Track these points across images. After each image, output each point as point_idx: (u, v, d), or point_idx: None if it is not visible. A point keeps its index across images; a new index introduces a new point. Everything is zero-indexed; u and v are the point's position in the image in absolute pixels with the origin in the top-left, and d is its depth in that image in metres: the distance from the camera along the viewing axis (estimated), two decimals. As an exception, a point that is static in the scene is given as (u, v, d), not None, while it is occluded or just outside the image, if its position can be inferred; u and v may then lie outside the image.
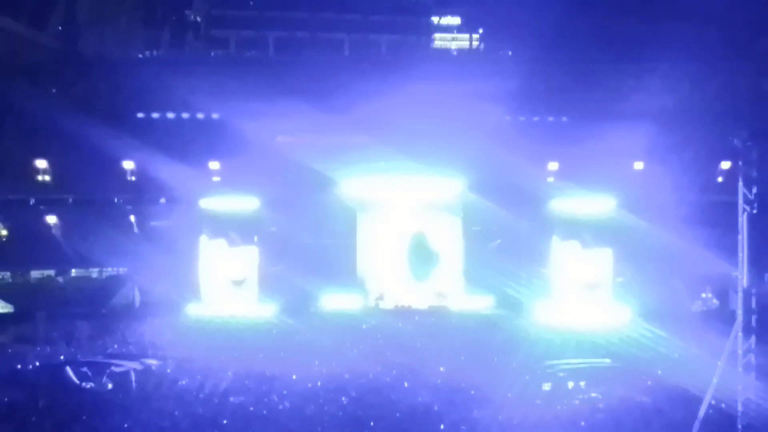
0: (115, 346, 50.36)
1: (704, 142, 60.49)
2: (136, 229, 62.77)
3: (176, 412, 35.92)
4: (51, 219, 62.84)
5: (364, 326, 53.57)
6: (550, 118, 68.86)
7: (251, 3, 79.47)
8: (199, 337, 50.48)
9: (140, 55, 76.30)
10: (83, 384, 41.48)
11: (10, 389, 38.82)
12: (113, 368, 43.05)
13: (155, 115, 68.15)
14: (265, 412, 36.50)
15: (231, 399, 38.23)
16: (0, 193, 63.77)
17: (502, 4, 74.52)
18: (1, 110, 64.89)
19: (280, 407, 37.24)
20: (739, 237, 33.28)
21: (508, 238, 57.52)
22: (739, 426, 32.87)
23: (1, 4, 68.93)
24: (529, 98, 68.05)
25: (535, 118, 69.28)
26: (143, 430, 34.24)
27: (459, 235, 58.73)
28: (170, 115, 68.43)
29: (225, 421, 35.11)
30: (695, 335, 46.48)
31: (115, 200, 64.56)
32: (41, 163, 63.91)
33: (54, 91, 67.30)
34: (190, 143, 61.78)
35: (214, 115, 65.20)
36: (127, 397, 39.01)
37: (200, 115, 67.60)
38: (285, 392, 39.11)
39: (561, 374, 42.56)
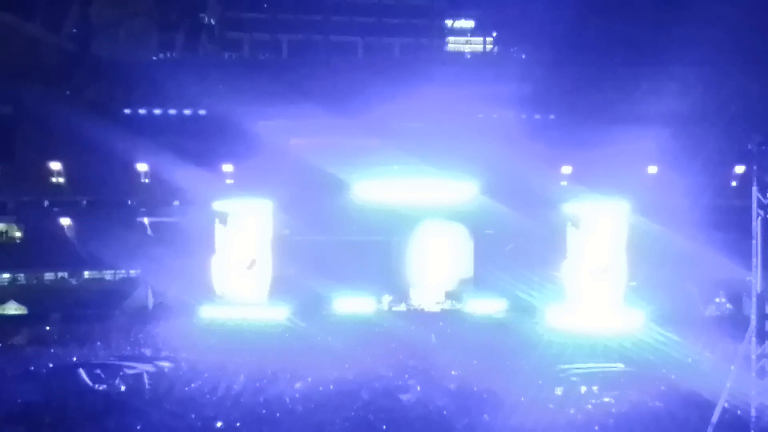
0: (128, 348, 50.54)
1: (718, 146, 60.32)
2: (149, 232, 62.91)
3: (189, 414, 36.00)
4: (65, 221, 63.06)
5: (376, 329, 53.59)
6: (564, 122, 68.70)
7: (265, 6, 79.61)
8: (212, 340, 50.60)
9: (154, 58, 76.46)
10: (96, 386, 41.60)
11: (25, 390, 38.95)
12: (126, 370, 43.19)
13: (169, 118, 68.32)
14: (278, 414, 36.56)
15: (243, 401, 38.31)
16: (15, 196, 64.06)
17: (515, 8, 74.45)
18: (16, 112, 65.17)
19: (293, 409, 37.29)
20: (753, 242, 33.24)
21: (521, 241, 57.40)
22: (753, 431, 32.81)
23: (17, 7, 69.18)
24: (542, 102, 67.97)
25: (549, 122, 69.18)
26: (156, 432, 34.44)
27: (472, 238, 58.64)
28: (184, 118, 68.58)
29: (238, 424, 35.19)
30: (709, 340, 46.47)
31: (129, 202, 64.64)
32: (55, 166, 64.11)
33: (68, 93, 67.49)
34: (203, 146, 61.85)
35: (228, 118, 65.24)
36: (140, 399, 39.10)
37: (214, 118, 67.64)
38: (297, 395, 39.19)
39: (574, 378, 42.52)
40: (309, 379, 41.52)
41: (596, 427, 34.91)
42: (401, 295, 58.50)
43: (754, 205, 33.21)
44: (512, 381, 39.97)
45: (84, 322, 54.15)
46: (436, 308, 58.20)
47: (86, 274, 62.69)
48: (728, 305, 58.94)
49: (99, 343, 51.00)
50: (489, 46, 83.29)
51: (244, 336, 51.60)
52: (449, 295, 58.48)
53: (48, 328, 54.32)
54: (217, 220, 56.54)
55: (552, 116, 69.13)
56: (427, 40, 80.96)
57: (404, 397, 39.19)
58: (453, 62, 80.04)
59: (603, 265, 55.23)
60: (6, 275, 61.88)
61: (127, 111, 66.39)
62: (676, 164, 59.76)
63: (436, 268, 58.49)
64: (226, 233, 56.43)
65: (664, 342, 48.00)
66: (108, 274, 62.65)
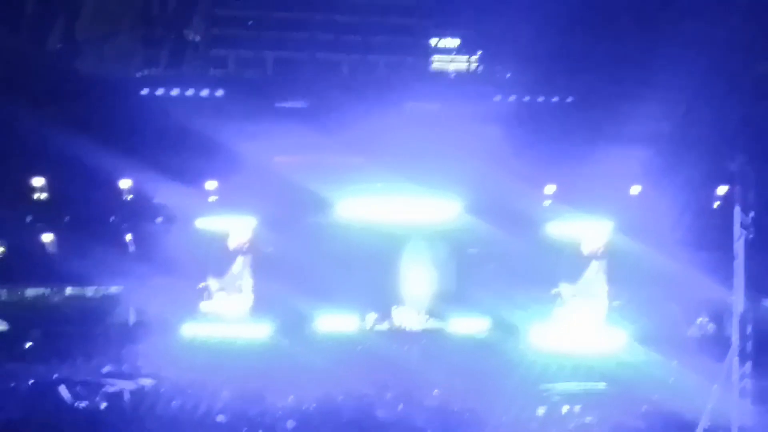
0: (109, 365, 50.27)
1: (701, 166, 60.52)
2: (131, 248, 62.61)
3: (170, 432, 35.88)
4: (47, 237, 62.69)
5: (359, 348, 53.46)
6: (548, 141, 68.79)
7: (250, 23, 79.62)
8: (194, 357, 50.38)
9: (138, 74, 76.33)
10: (77, 403, 41.35)
11: (4, 408, 38.69)
12: (107, 387, 42.97)
13: (152, 134, 68.06)
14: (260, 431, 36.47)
15: (225, 420, 38.15)
16: (-4, 211, 63.69)
17: (500, 27, 74.62)
18: (-3, 127, 64.92)
19: (274, 427, 37.16)
20: (735, 262, 33.27)
21: (505, 260, 57.34)
22: (734, 452, 32.82)
23: (1, 21, 69.04)
24: (527, 120, 68.09)
25: (533, 141, 69.22)
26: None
27: (455, 257, 58.54)
28: (167, 134, 68.35)
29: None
30: (691, 360, 46.46)
31: (112, 219, 64.35)
32: (38, 181, 63.85)
33: (51, 108, 67.21)
34: (187, 162, 61.69)
35: (212, 135, 65.15)
36: (121, 417, 38.89)
37: (198, 135, 67.46)
38: (279, 413, 39.06)
39: (556, 398, 42.51)
40: (291, 398, 41.40)
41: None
42: (384, 313, 58.33)
43: (737, 225, 33.25)
44: (494, 400, 39.92)
45: (65, 338, 53.83)
46: (419, 327, 58.01)
47: (68, 290, 62.36)
48: (710, 325, 58.96)
49: (80, 359, 50.79)
50: (474, 65, 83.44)
51: (226, 353, 51.42)
52: (432, 314, 58.30)
53: (28, 344, 54.01)
54: (199, 237, 56.44)
55: (536, 135, 69.17)
56: (412, 58, 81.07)
57: (386, 416, 39.08)
58: (438, 80, 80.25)
59: (586, 285, 55.33)
60: (-14, 291, 61.63)
61: (110, 127, 66.08)
62: (659, 184, 59.90)
63: (419, 287, 58.33)
64: (209, 250, 56.32)
65: (647, 362, 48.06)
66: (90, 291, 62.27)
